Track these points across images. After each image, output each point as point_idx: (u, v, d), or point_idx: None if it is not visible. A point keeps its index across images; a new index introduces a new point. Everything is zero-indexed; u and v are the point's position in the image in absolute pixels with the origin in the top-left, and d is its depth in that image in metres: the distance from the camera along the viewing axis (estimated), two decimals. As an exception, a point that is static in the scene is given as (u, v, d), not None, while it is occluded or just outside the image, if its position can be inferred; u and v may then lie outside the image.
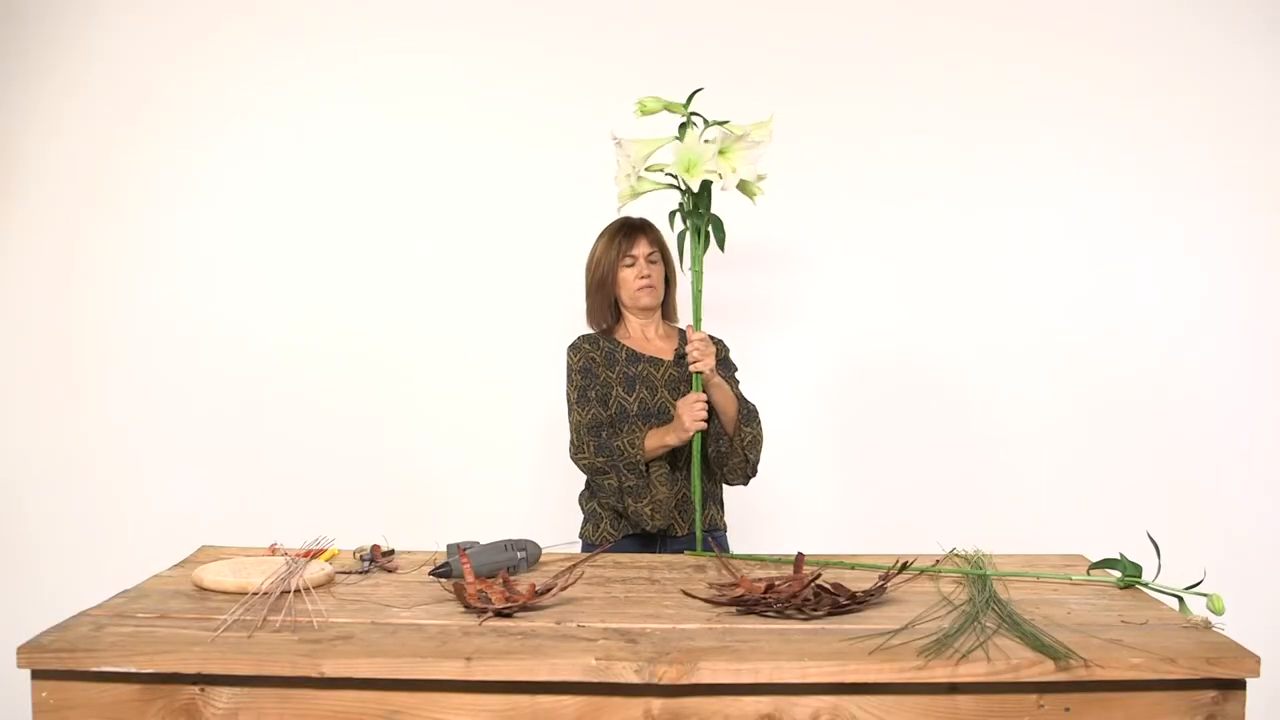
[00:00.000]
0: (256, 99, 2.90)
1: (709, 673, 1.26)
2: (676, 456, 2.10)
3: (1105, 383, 2.86)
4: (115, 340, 2.89)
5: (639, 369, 2.14)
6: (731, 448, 2.09)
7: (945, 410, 2.89)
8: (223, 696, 1.30)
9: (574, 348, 2.18)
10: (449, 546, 1.77)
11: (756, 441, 2.11)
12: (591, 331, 2.24)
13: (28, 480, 2.89)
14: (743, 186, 1.94)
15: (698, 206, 1.94)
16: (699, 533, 2.02)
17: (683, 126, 1.91)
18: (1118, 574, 1.66)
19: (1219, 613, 1.48)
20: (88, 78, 2.88)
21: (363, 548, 1.82)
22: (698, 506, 2.02)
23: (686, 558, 1.90)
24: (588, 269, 2.22)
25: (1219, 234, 2.84)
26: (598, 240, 2.21)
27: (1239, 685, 1.30)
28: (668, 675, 1.26)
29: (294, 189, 2.91)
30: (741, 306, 2.84)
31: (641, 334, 2.22)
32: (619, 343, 2.18)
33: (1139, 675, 1.28)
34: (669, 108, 1.93)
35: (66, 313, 2.90)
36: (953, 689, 1.29)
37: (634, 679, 1.26)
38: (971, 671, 1.27)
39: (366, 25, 2.89)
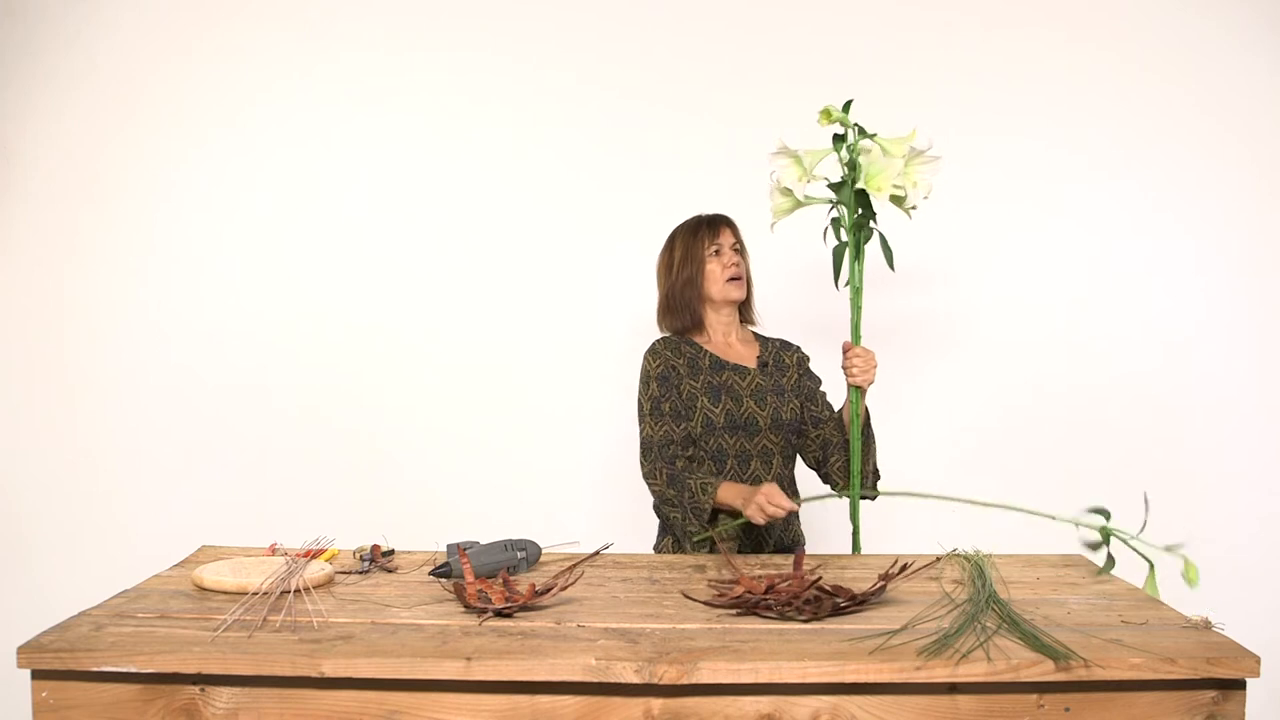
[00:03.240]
0: (256, 97, 2.90)
1: (709, 673, 1.26)
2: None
3: (1106, 383, 2.86)
4: (116, 340, 2.90)
5: (724, 377, 2.05)
6: (863, 472, 2.02)
7: (945, 410, 2.89)
8: (223, 696, 1.30)
9: (653, 352, 2.06)
10: (449, 546, 1.77)
11: (876, 467, 2.08)
12: (667, 334, 2.12)
13: (28, 480, 2.89)
14: (895, 199, 1.88)
15: (864, 220, 1.88)
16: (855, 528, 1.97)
17: (838, 138, 1.87)
18: (1102, 521, 1.63)
19: (1193, 583, 1.45)
20: (87, 78, 2.88)
21: (363, 548, 1.82)
22: (855, 496, 1.96)
23: (686, 558, 1.90)
24: (667, 268, 2.11)
25: (1221, 235, 2.85)
26: (674, 240, 2.12)
27: (1239, 685, 1.30)
28: (668, 675, 1.26)
29: (294, 191, 2.91)
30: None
31: (724, 339, 2.12)
32: (701, 348, 2.08)
33: (1139, 675, 1.28)
34: (844, 121, 1.86)
35: (66, 313, 2.90)
36: (953, 689, 1.29)
37: (634, 679, 1.26)
38: (971, 671, 1.27)
39: (372, 25, 2.89)
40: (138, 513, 2.87)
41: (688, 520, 1.95)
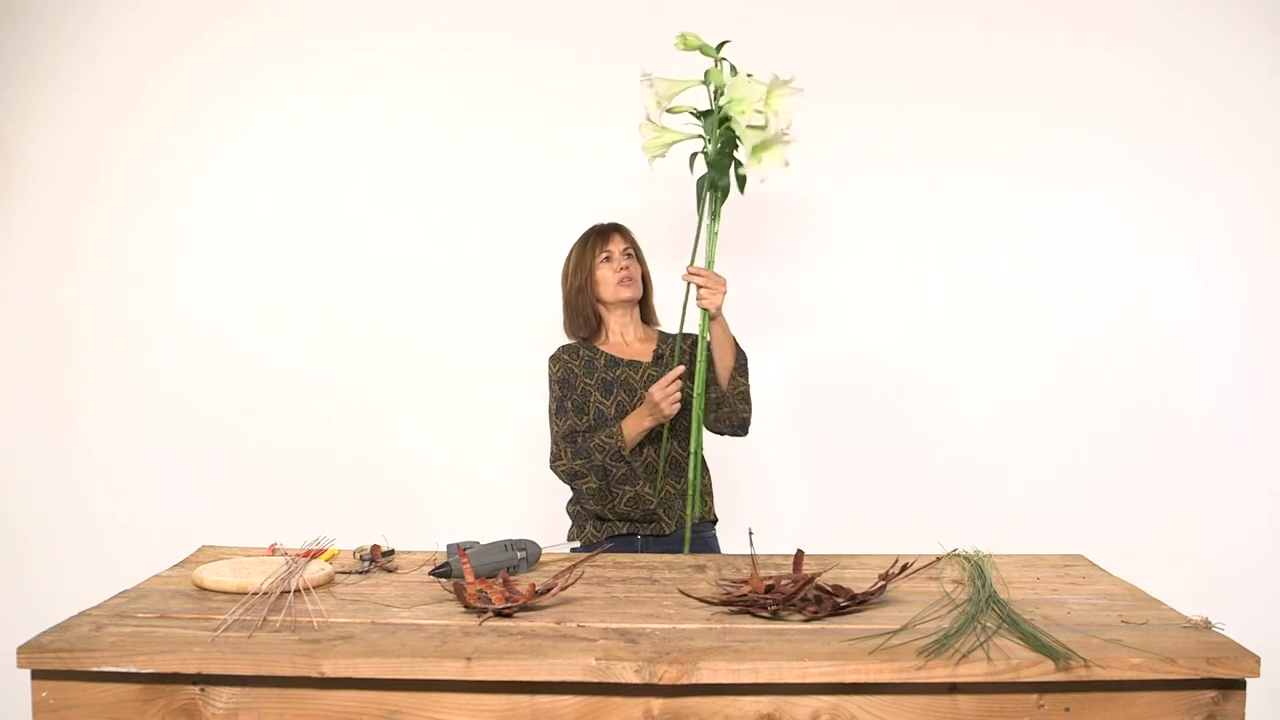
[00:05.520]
0: (256, 97, 2.90)
1: (709, 673, 1.26)
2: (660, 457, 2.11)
3: (1106, 383, 2.86)
4: (115, 340, 2.90)
5: (618, 373, 2.17)
6: (723, 396, 2.10)
7: (946, 411, 2.89)
8: (223, 696, 1.30)
9: (553, 359, 2.21)
10: (449, 546, 1.77)
11: (747, 395, 2.13)
12: (570, 341, 2.26)
13: (28, 480, 2.89)
14: (754, 128, 1.90)
15: (722, 150, 1.93)
16: (689, 527, 2.00)
17: (709, 71, 1.92)
18: None
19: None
20: (87, 78, 2.88)
21: (363, 548, 1.82)
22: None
23: (686, 557, 1.90)
24: (564, 279, 2.25)
25: (1221, 235, 2.85)
26: (570, 252, 2.25)
27: (1239, 685, 1.30)
28: (668, 675, 1.26)
29: (294, 191, 2.91)
30: (744, 303, 2.84)
31: (621, 337, 2.25)
32: (598, 349, 2.21)
33: (1139, 675, 1.28)
34: (704, 50, 1.93)
35: (66, 312, 2.90)
36: (953, 689, 1.29)
37: (634, 679, 1.26)
38: (971, 671, 1.27)
39: (372, 25, 2.89)
40: (138, 513, 2.87)
41: (611, 470, 2.06)
